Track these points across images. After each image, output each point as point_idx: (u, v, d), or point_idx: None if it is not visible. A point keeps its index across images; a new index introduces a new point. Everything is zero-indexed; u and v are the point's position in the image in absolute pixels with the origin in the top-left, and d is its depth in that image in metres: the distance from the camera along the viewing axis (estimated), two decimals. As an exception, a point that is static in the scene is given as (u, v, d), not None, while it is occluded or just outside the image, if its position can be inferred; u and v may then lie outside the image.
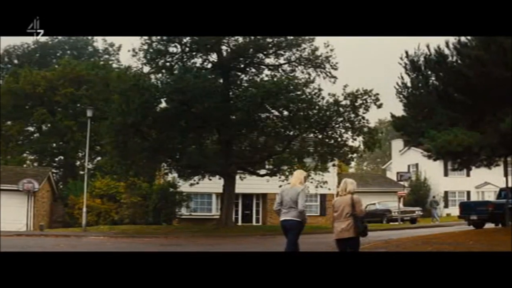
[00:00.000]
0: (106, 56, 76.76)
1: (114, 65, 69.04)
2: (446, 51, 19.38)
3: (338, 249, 11.61)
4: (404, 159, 62.14)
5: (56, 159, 67.66)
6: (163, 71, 36.55)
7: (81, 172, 62.83)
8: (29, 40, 79.90)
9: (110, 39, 77.53)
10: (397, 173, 49.73)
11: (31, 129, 66.98)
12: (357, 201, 11.40)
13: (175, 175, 41.51)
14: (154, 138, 36.27)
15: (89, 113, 40.65)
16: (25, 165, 60.50)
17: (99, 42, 79.57)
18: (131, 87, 33.27)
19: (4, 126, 62.56)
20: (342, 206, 11.37)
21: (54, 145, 64.60)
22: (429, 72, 20.52)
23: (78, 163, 64.26)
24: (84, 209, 39.19)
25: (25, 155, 66.33)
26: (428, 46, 20.02)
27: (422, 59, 20.48)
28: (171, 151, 36.60)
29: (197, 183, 38.83)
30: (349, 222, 11.21)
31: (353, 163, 76.07)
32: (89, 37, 79.59)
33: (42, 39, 79.15)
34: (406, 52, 20.97)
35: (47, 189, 49.07)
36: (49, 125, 62.10)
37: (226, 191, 38.09)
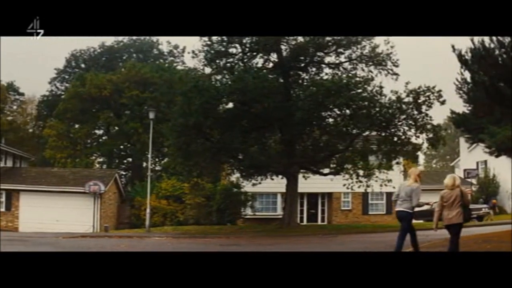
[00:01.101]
0: (171, 58, 77.45)
1: (179, 67, 69.63)
2: (491, 45, 18.79)
3: (450, 234, 13.72)
4: (472, 156, 60.63)
5: (125, 161, 68.60)
6: (225, 71, 36.65)
7: (149, 174, 63.65)
8: (95, 44, 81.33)
9: (174, 41, 78.11)
10: (464, 170, 48.80)
11: (98, 132, 68.10)
12: (465, 193, 13.73)
13: (239, 175, 41.53)
14: (216, 138, 36.34)
15: (151, 115, 41.28)
16: (95, 168, 61.61)
17: (164, 44, 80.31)
18: (191, 89, 33.43)
19: (73, 129, 63.82)
20: (452, 197, 13.55)
21: (122, 147, 65.57)
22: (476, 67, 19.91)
23: (144, 164, 64.95)
24: (148, 210, 39.76)
25: (93, 157, 67.41)
26: (472, 40, 19.43)
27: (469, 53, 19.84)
28: (233, 152, 36.55)
29: (260, 183, 38.85)
30: (458, 210, 13.46)
31: (422, 161, 74.90)
32: (154, 40, 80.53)
33: (108, 42, 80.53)
34: (453, 47, 20.36)
35: (114, 191, 49.72)
36: (116, 127, 63.04)
37: (289, 190, 37.93)
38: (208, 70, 37.24)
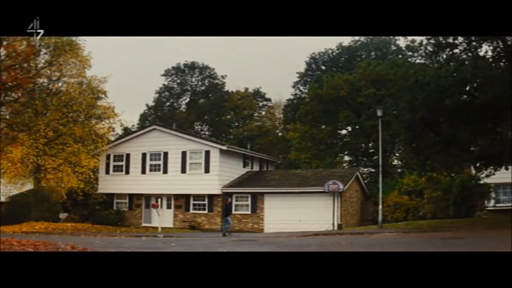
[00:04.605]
0: (410, 53, 76.74)
1: (418, 61, 68.88)
2: None
3: None
4: None
5: (373, 158, 69.25)
6: (451, 63, 35.91)
7: (398, 170, 63.83)
8: (333, 45, 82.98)
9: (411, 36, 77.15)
10: None
11: (341, 131, 69.33)
12: None
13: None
14: (445, 131, 35.78)
15: (379, 113, 41.90)
16: (340, 167, 62.82)
17: (401, 40, 79.85)
18: (412, 84, 33.32)
19: (315, 130, 65.67)
20: None
21: (364, 145, 66.31)
22: None
23: (389, 161, 65.10)
24: (380, 207, 40.43)
25: (338, 157, 68.69)
26: None
27: None
28: (464, 144, 35.77)
29: (493, 174, 37.58)
30: None
31: None
32: (391, 36, 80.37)
33: (345, 42, 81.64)
34: None
35: (356, 189, 50.53)
36: (357, 126, 63.87)
37: (525, 180, 36.36)
38: (428, 63, 36.80)
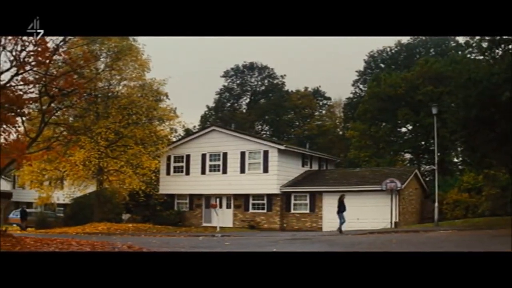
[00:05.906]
0: (469, 49, 75.84)
1: (477, 58, 68.10)
2: None
3: None
4: None
5: (434, 156, 68.74)
6: (506, 60, 35.56)
7: (459, 167, 63.25)
8: (391, 43, 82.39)
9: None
10: None
11: (400, 129, 68.94)
12: None
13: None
14: (500, 128, 35.47)
15: (434, 111, 41.74)
16: (400, 165, 62.55)
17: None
18: (466, 81, 33.25)
19: (373, 128, 65.49)
20: None
21: (423, 143, 65.90)
22: None
23: (449, 158, 64.54)
24: (436, 204, 40.37)
25: (398, 155, 68.34)
26: None
27: None
28: (518, 141, 35.43)
29: (548, 171, 37.17)
30: None
31: None
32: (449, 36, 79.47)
33: (404, 40, 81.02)
34: None
35: (415, 187, 50.35)
36: (416, 124, 63.46)
37: None
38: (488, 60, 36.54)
